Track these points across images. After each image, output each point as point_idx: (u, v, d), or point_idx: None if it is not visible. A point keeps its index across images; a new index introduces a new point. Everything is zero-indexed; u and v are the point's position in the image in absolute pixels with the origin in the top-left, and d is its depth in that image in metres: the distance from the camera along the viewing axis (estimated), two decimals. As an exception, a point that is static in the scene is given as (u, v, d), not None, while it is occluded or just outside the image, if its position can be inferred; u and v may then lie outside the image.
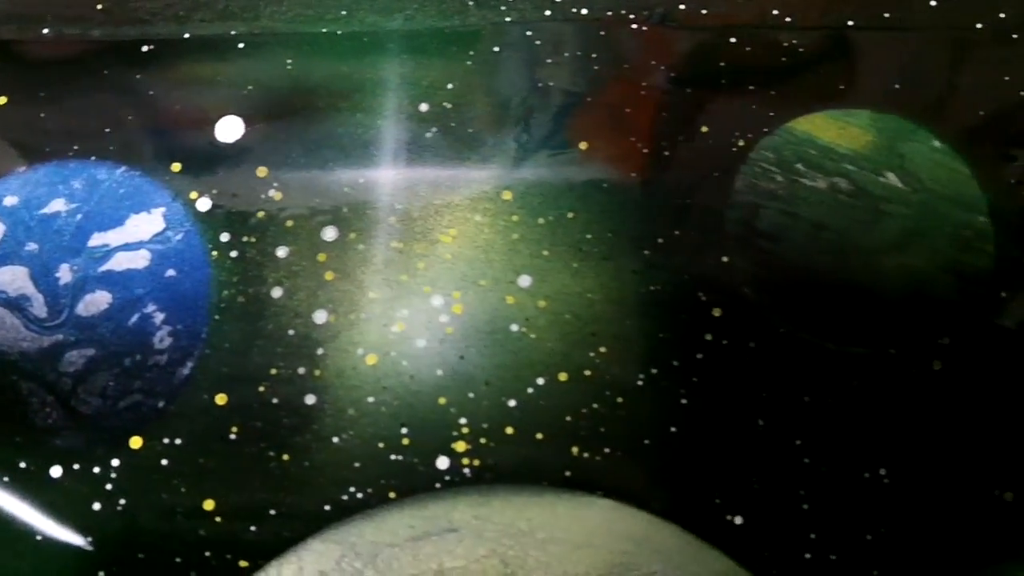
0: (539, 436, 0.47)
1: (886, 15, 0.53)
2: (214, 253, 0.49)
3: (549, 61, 0.52)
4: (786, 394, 0.48)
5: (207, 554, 0.47)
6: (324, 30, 0.53)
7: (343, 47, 0.53)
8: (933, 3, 0.53)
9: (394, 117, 0.51)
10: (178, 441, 0.48)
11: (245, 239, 0.49)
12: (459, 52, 0.52)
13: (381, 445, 0.47)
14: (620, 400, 0.47)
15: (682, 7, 0.53)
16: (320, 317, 0.48)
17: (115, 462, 0.48)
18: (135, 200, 0.50)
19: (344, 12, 0.53)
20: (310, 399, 0.48)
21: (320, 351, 0.48)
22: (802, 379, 0.48)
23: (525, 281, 0.48)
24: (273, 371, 0.48)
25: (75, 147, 0.51)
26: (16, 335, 0.49)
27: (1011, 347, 0.48)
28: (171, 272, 0.49)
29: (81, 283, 0.49)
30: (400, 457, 0.47)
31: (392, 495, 0.47)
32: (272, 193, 0.50)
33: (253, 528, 0.47)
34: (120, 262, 0.49)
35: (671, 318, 0.48)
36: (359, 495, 0.47)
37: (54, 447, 0.48)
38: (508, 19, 0.53)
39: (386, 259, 0.49)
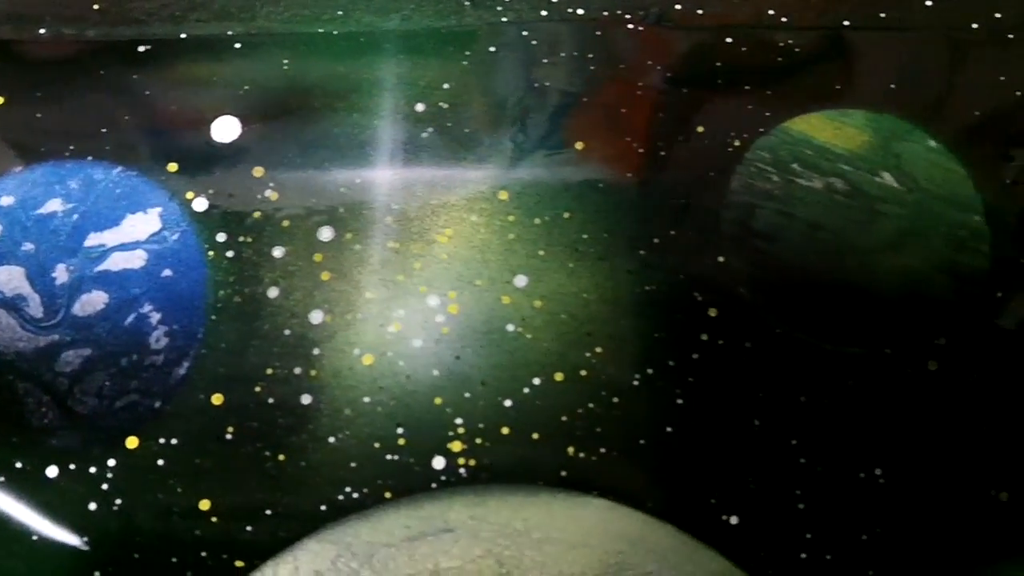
0: (535, 436, 0.47)
1: (882, 15, 0.53)
2: (210, 253, 0.49)
3: (545, 61, 0.52)
4: (782, 394, 0.48)
5: (203, 554, 0.47)
6: (320, 30, 0.53)
7: (339, 47, 0.53)
8: (929, 3, 0.53)
9: (390, 117, 0.51)
10: (174, 441, 0.48)
11: (241, 239, 0.49)
12: (455, 52, 0.52)
13: (377, 445, 0.47)
14: (616, 400, 0.47)
15: (678, 7, 0.53)
16: (316, 317, 0.48)
17: (111, 462, 0.48)
18: (131, 200, 0.50)
19: (340, 12, 0.53)
20: (306, 399, 0.48)
21: (316, 351, 0.48)
22: (798, 379, 0.48)
23: (521, 281, 0.49)
24: (269, 371, 0.48)
25: (71, 147, 0.51)
26: (12, 335, 0.49)
27: (1007, 347, 0.48)
28: (167, 272, 0.49)
29: (77, 283, 0.49)
30: (396, 457, 0.47)
31: (388, 495, 0.47)
32: (268, 193, 0.50)
33: (249, 528, 0.47)
34: (116, 262, 0.49)
35: (667, 318, 0.48)
36: (355, 495, 0.47)
37: (50, 447, 0.48)
38: (504, 19, 0.53)
39: (382, 259, 0.49)
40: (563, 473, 0.47)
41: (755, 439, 0.47)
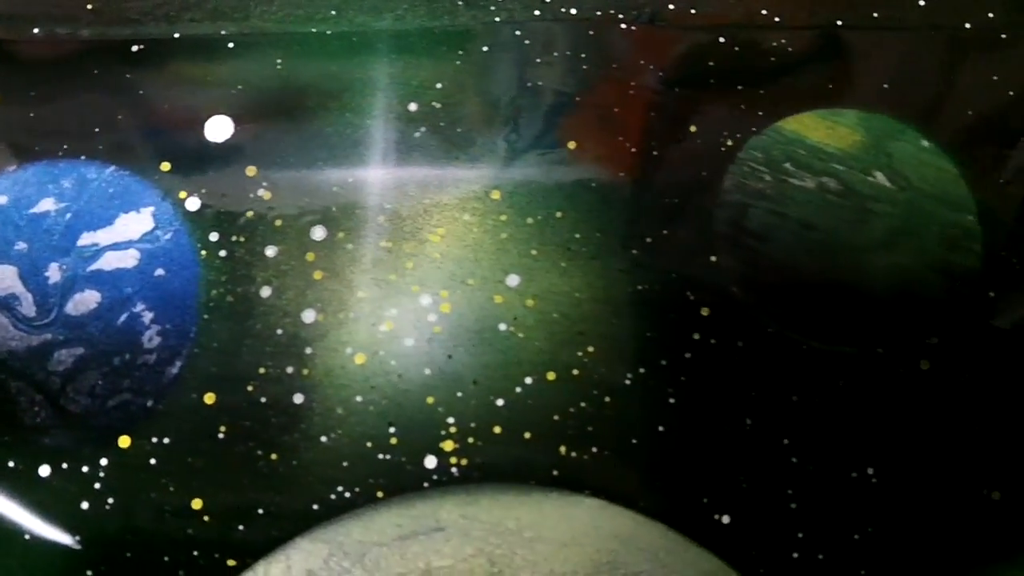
0: (527, 435, 0.47)
1: (875, 15, 0.53)
2: (203, 252, 0.49)
3: (538, 61, 0.52)
4: (774, 393, 0.48)
5: (195, 553, 0.47)
6: (314, 30, 0.53)
7: (333, 47, 0.53)
8: (922, 3, 0.53)
9: (383, 117, 0.51)
10: (167, 440, 0.48)
11: (234, 238, 0.49)
12: (448, 52, 0.52)
13: (369, 444, 0.47)
14: (608, 399, 0.47)
15: (671, 7, 0.53)
16: (308, 316, 0.48)
17: (104, 461, 0.48)
18: (124, 199, 0.50)
19: (334, 12, 0.53)
20: (298, 398, 0.48)
21: (308, 350, 0.48)
22: (790, 378, 0.48)
23: (513, 280, 0.49)
24: (261, 370, 0.48)
25: (65, 146, 0.51)
26: (5, 334, 0.49)
27: (999, 346, 0.48)
28: (160, 271, 0.49)
29: (70, 282, 0.49)
30: (388, 456, 0.47)
31: (380, 494, 0.47)
32: (261, 193, 0.50)
33: (241, 527, 0.47)
34: (109, 261, 0.49)
35: (659, 317, 0.48)
36: (347, 494, 0.47)
37: (43, 446, 0.48)
38: (497, 19, 0.53)
39: (375, 258, 0.49)
40: (555, 472, 0.47)
41: (747, 438, 0.47)
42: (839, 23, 0.53)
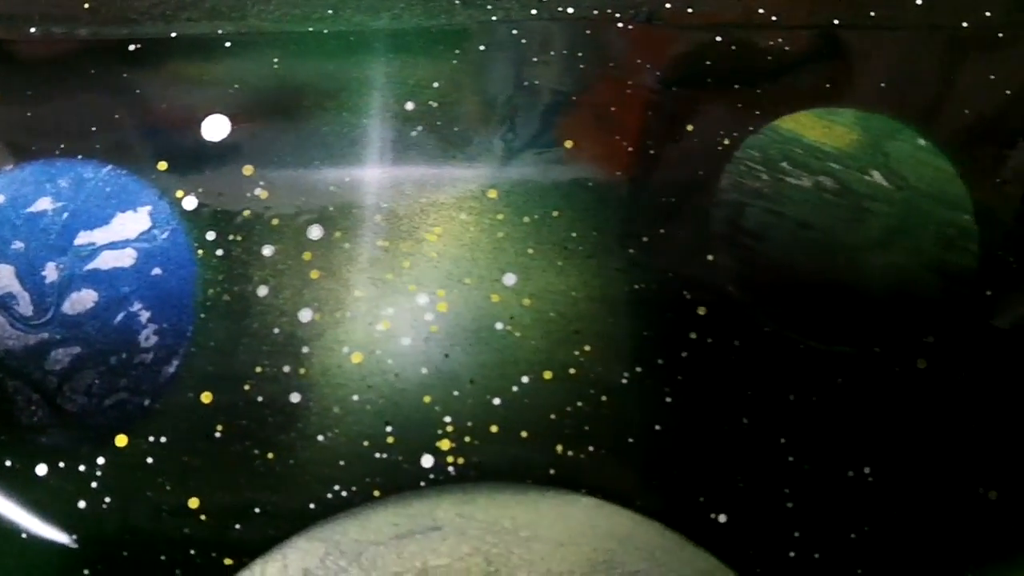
0: (524, 434, 0.47)
1: (872, 14, 0.53)
2: (200, 251, 0.49)
3: (535, 60, 0.52)
4: (771, 393, 0.48)
5: (192, 552, 0.47)
6: (311, 29, 0.53)
7: (330, 46, 0.53)
8: (919, 2, 0.53)
9: (380, 116, 0.51)
10: (163, 439, 0.48)
11: (231, 237, 0.49)
12: (445, 51, 0.52)
13: (366, 443, 0.47)
14: (605, 398, 0.47)
15: (668, 6, 0.53)
16: (305, 315, 0.48)
17: (100, 460, 0.48)
18: (121, 199, 0.50)
19: (331, 11, 0.53)
20: (295, 397, 0.48)
21: (305, 349, 0.48)
22: (787, 378, 0.48)
23: (510, 279, 0.49)
24: (258, 369, 0.48)
25: (61, 145, 0.51)
26: (2, 333, 0.49)
27: (996, 346, 0.48)
28: (157, 270, 0.49)
29: (67, 281, 0.49)
30: (385, 455, 0.47)
31: (377, 493, 0.47)
32: (258, 192, 0.50)
33: (238, 526, 0.47)
34: (106, 260, 0.49)
35: (656, 316, 0.48)
36: (344, 493, 0.47)
37: (40, 445, 0.48)
38: (494, 18, 0.53)
39: (371, 258, 0.49)
40: (552, 471, 0.47)
41: (744, 438, 0.47)
42: (836, 22, 0.53)
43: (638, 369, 0.48)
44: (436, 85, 0.51)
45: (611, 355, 0.48)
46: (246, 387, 0.48)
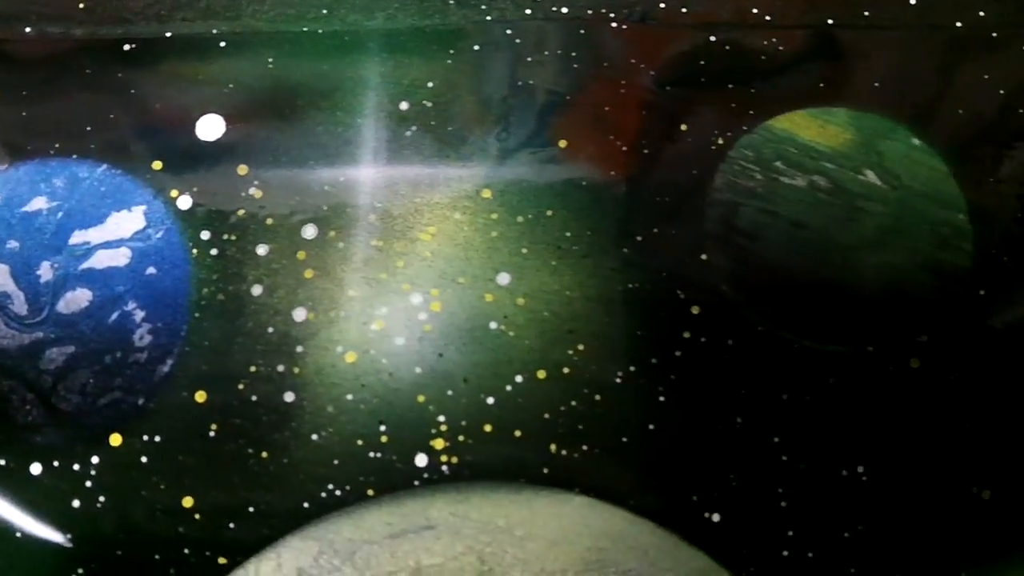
0: (518, 434, 0.47)
1: (866, 13, 0.53)
2: (194, 251, 0.49)
3: (530, 60, 0.52)
4: (764, 392, 0.48)
5: (186, 551, 0.47)
6: (305, 29, 0.53)
7: (324, 46, 0.53)
8: (913, 2, 0.53)
9: (374, 116, 0.51)
10: (158, 438, 0.48)
11: (225, 237, 0.49)
12: (440, 51, 0.52)
13: (360, 442, 0.47)
14: (598, 398, 0.47)
15: (662, 6, 0.53)
16: (300, 315, 0.48)
17: (95, 459, 0.48)
18: (116, 198, 0.50)
19: (325, 11, 0.53)
20: (289, 397, 0.48)
21: (299, 349, 0.48)
22: (780, 377, 0.48)
23: (504, 279, 0.49)
24: (252, 369, 0.48)
25: (56, 145, 0.51)
26: (-4, 332, 0.49)
27: (989, 345, 0.48)
28: (151, 270, 0.49)
29: (62, 281, 0.49)
30: (379, 454, 0.47)
31: (370, 492, 0.47)
32: (252, 191, 0.50)
33: (232, 525, 0.47)
34: (101, 260, 0.50)
35: (650, 316, 0.48)
36: (337, 492, 0.47)
37: (34, 444, 0.48)
38: (489, 18, 0.53)
39: (366, 257, 0.49)
40: (545, 471, 0.47)
41: (737, 437, 0.47)
42: (830, 22, 0.53)
43: (632, 368, 0.48)
44: (430, 85, 0.51)
45: (605, 354, 0.48)
46: (240, 386, 0.48)
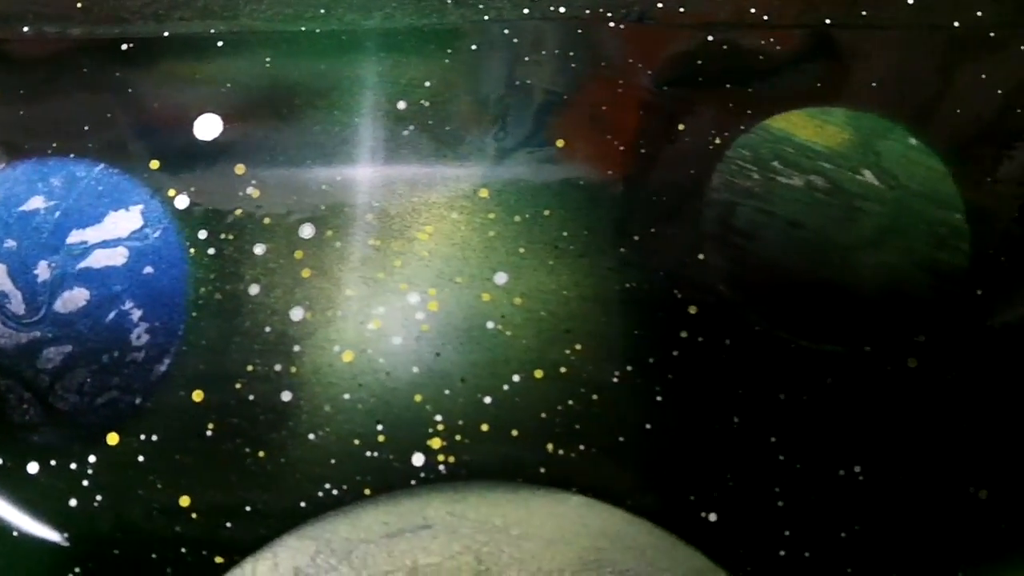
0: (514, 433, 0.47)
1: (863, 13, 0.53)
2: (191, 250, 0.49)
3: (527, 59, 0.52)
4: (761, 392, 0.48)
5: (183, 550, 0.47)
6: (303, 28, 0.53)
7: (321, 45, 0.53)
8: (911, 2, 0.53)
9: (372, 115, 0.51)
10: (155, 438, 0.48)
11: (222, 236, 0.49)
12: (437, 50, 0.52)
13: (357, 442, 0.47)
14: (595, 397, 0.47)
15: (659, 5, 0.53)
16: (297, 314, 0.48)
17: (92, 458, 0.48)
18: (113, 197, 0.50)
19: (322, 10, 0.53)
20: (286, 396, 0.48)
21: (297, 348, 0.48)
22: (777, 377, 0.48)
23: (501, 278, 0.49)
24: (250, 368, 0.48)
25: (54, 144, 0.51)
26: (-7, 332, 0.49)
27: (986, 345, 0.48)
28: (149, 269, 0.49)
29: (59, 280, 0.49)
30: (376, 454, 0.47)
31: (367, 492, 0.47)
32: (250, 191, 0.50)
33: (229, 524, 0.47)
34: (98, 259, 0.50)
35: (647, 315, 0.48)
36: (334, 492, 0.47)
37: (31, 443, 0.48)
38: (486, 17, 0.53)
39: (363, 257, 0.49)
40: (542, 470, 0.47)
41: (734, 436, 0.47)
42: (828, 22, 0.53)
43: (629, 368, 0.48)
44: (428, 84, 0.51)
45: (602, 354, 0.48)
46: (237, 386, 0.48)
